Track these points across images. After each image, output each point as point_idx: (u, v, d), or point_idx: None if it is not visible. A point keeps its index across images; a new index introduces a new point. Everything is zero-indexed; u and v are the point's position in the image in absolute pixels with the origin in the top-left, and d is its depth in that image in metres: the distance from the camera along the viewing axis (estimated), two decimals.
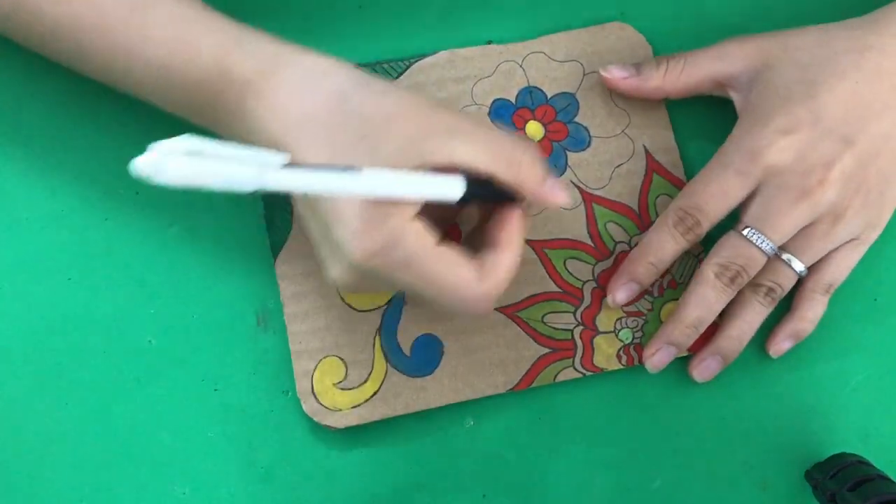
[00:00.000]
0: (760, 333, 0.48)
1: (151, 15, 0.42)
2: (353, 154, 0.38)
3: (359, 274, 0.39)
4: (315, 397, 0.47)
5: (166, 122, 0.50)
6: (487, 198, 0.41)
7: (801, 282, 0.47)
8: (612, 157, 0.50)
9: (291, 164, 0.33)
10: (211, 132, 0.47)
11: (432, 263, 0.39)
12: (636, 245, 0.48)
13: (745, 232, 0.46)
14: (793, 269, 0.46)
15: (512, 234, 0.41)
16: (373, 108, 0.39)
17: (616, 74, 0.50)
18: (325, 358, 0.47)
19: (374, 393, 0.47)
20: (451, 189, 0.38)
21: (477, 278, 0.40)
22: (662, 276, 0.49)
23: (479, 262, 0.40)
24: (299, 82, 0.40)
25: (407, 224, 0.38)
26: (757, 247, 0.45)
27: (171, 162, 0.30)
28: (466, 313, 0.41)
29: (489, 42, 0.52)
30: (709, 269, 0.46)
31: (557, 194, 0.41)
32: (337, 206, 0.38)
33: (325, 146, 0.39)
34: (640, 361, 0.48)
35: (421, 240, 0.38)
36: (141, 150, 0.50)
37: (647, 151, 0.51)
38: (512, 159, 0.39)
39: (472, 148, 0.39)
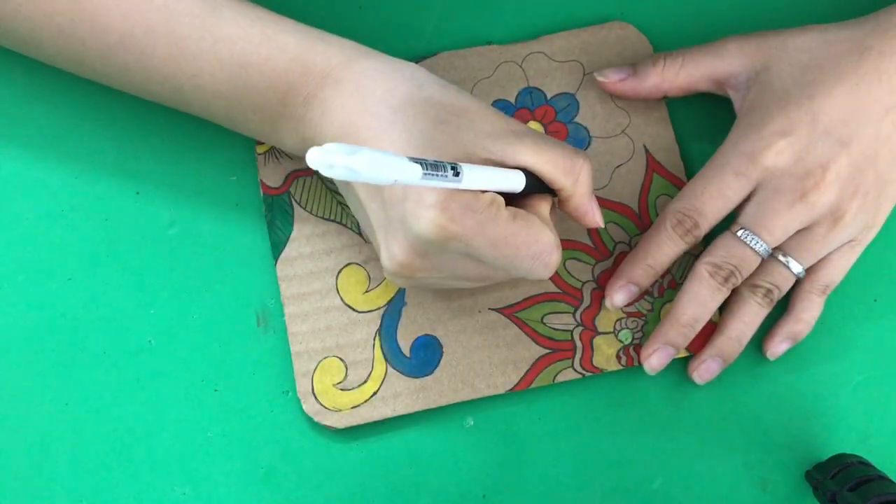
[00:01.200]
0: (759, 333, 0.48)
1: (226, 17, 0.43)
2: (429, 137, 0.40)
3: (422, 251, 0.40)
4: (315, 397, 0.47)
5: (167, 122, 0.50)
6: (534, 190, 0.43)
7: (797, 283, 0.47)
8: (612, 157, 0.50)
9: (416, 160, 0.34)
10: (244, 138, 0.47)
11: (508, 223, 0.40)
12: (635, 246, 0.48)
13: (739, 233, 0.46)
14: (790, 270, 0.46)
15: (547, 210, 0.43)
16: (451, 100, 0.41)
17: (612, 77, 0.50)
18: (325, 358, 0.47)
19: (374, 393, 0.47)
20: (516, 182, 0.41)
21: (549, 230, 0.41)
22: (662, 276, 0.49)
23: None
24: (379, 69, 0.42)
25: (478, 192, 0.39)
26: (751, 248, 0.46)
27: (357, 157, 0.31)
28: (542, 271, 0.42)
29: (489, 42, 0.52)
30: (703, 268, 0.46)
31: (597, 215, 0.44)
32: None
33: (403, 127, 0.40)
34: (640, 362, 0.48)
35: (494, 203, 0.39)
36: (141, 149, 0.50)
37: (647, 151, 0.51)
38: (570, 169, 0.42)
39: (537, 153, 0.41)
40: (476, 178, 0.37)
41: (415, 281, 0.43)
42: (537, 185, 0.42)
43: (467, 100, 0.42)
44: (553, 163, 0.41)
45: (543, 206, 0.43)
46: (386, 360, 0.47)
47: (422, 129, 0.40)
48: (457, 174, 0.36)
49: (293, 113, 0.43)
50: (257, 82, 0.43)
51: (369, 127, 0.41)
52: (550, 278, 0.48)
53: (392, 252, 0.41)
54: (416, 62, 0.51)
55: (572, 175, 0.42)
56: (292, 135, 0.44)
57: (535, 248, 0.41)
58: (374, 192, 0.41)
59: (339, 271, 0.48)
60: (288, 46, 0.43)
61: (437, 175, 0.35)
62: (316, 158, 0.31)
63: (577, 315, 0.48)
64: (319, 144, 0.43)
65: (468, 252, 0.40)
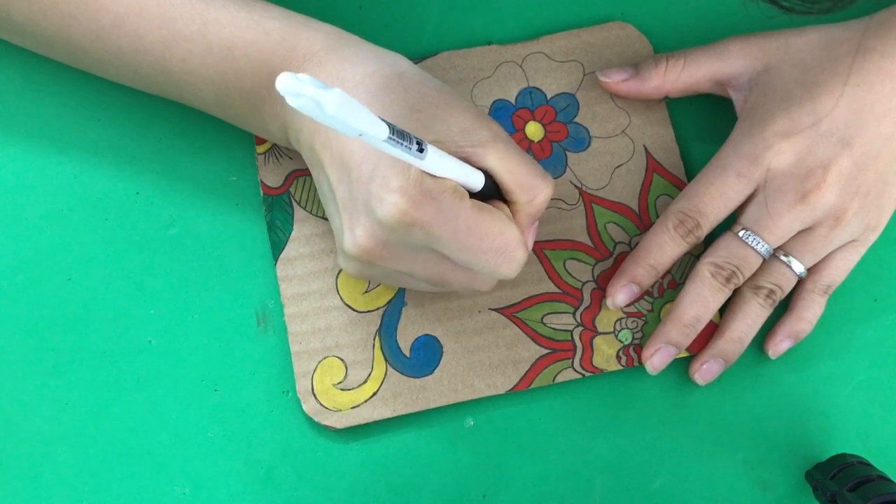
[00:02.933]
0: (760, 333, 0.48)
1: (216, 1, 0.43)
2: (402, 122, 0.40)
3: (383, 238, 0.40)
4: (315, 397, 0.47)
5: (167, 123, 0.50)
6: (490, 194, 0.43)
7: (799, 282, 0.47)
8: (612, 157, 0.50)
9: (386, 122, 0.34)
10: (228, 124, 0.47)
11: (472, 213, 0.40)
12: (636, 246, 0.48)
13: (740, 233, 0.46)
14: (793, 270, 0.46)
15: (508, 211, 0.43)
16: (430, 91, 0.42)
17: (614, 77, 0.50)
18: (325, 358, 0.47)
19: (374, 393, 0.47)
20: (475, 180, 0.41)
21: (515, 226, 0.41)
22: (663, 276, 0.49)
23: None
24: (361, 56, 0.42)
25: (442, 180, 0.39)
26: (752, 248, 0.46)
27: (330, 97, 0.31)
28: (508, 268, 0.42)
29: (489, 42, 0.52)
30: (705, 268, 0.46)
31: (529, 243, 0.44)
32: (378, 165, 0.39)
33: (378, 109, 0.40)
34: (640, 362, 0.48)
35: (458, 193, 0.40)
36: (141, 149, 0.50)
37: (647, 151, 0.51)
38: (530, 187, 0.42)
39: (503, 160, 0.41)
40: (438, 161, 0.38)
41: (371, 270, 0.42)
42: (496, 194, 0.42)
43: (447, 94, 0.42)
44: (514, 174, 0.41)
45: (504, 207, 0.42)
46: (386, 360, 0.47)
47: (396, 114, 0.40)
48: (420, 150, 0.36)
49: (276, 96, 0.43)
50: (243, 66, 0.43)
51: None
52: (550, 278, 0.48)
53: (355, 235, 0.41)
54: (416, 62, 0.51)
55: (530, 193, 0.42)
56: (275, 119, 0.44)
57: (501, 241, 0.41)
58: (343, 174, 0.41)
59: (339, 271, 0.48)
60: (273, 31, 0.43)
61: (401, 144, 0.35)
62: (286, 84, 0.31)
63: (577, 315, 0.48)
64: (298, 128, 0.43)
65: (429, 242, 0.40)
